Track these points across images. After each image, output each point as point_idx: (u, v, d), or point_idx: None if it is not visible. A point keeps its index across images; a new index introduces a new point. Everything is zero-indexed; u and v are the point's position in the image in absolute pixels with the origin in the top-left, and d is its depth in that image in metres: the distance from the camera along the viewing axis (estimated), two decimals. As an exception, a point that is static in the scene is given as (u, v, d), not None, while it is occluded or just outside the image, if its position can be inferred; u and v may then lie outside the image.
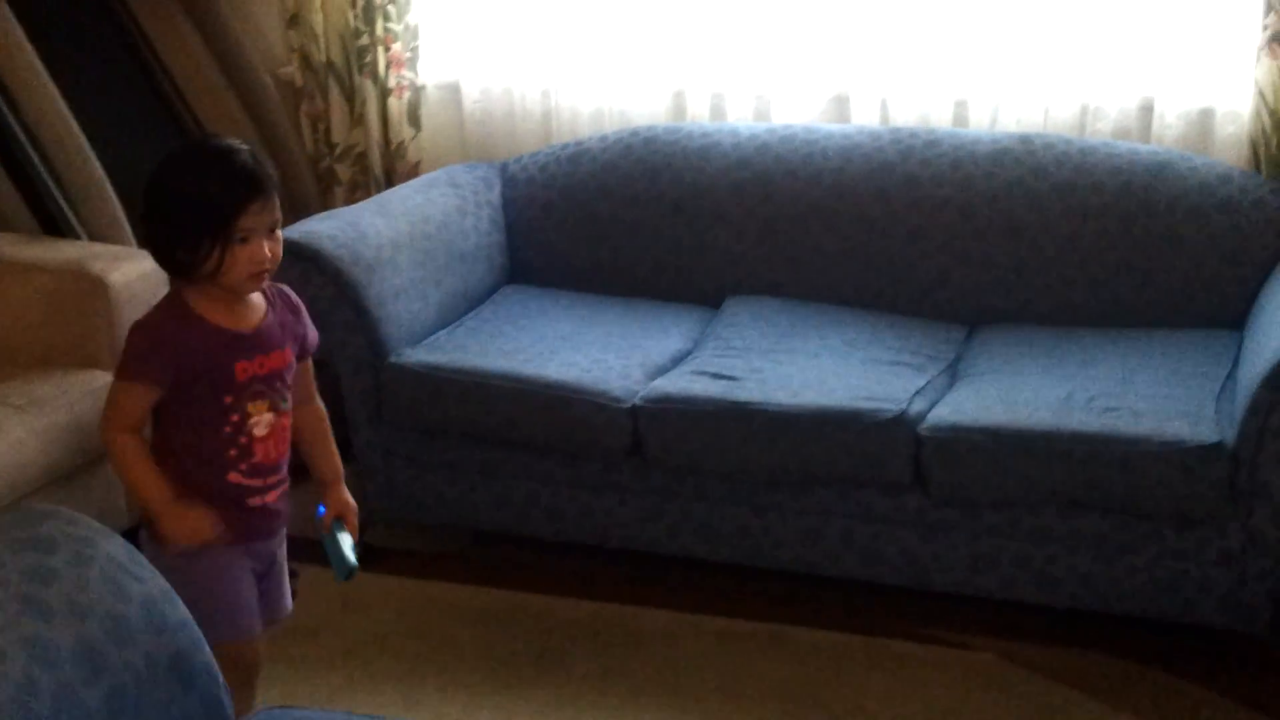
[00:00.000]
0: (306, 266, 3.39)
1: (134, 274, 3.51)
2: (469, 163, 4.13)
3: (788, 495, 3.25)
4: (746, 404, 3.20)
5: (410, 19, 4.13)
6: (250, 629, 2.59)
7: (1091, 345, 3.40)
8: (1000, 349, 3.44)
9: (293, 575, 3.52)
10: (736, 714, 3.01)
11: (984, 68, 3.81)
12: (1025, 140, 3.69)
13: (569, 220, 3.96)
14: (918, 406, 3.16)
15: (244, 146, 2.46)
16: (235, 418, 2.46)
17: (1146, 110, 3.72)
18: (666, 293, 3.85)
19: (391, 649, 3.25)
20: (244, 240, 2.38)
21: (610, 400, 3.27)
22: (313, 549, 3.70)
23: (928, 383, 3.29)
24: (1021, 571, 3.12)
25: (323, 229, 3.51)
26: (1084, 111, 3.76)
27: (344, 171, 4.26)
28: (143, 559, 1.94)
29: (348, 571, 2.63)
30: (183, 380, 2.43)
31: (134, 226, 3.76)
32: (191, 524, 2.45)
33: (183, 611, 1.93)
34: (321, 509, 2.71)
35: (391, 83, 4.16)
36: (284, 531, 2.68)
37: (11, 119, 3.72)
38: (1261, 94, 3.52)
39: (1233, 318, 3.43)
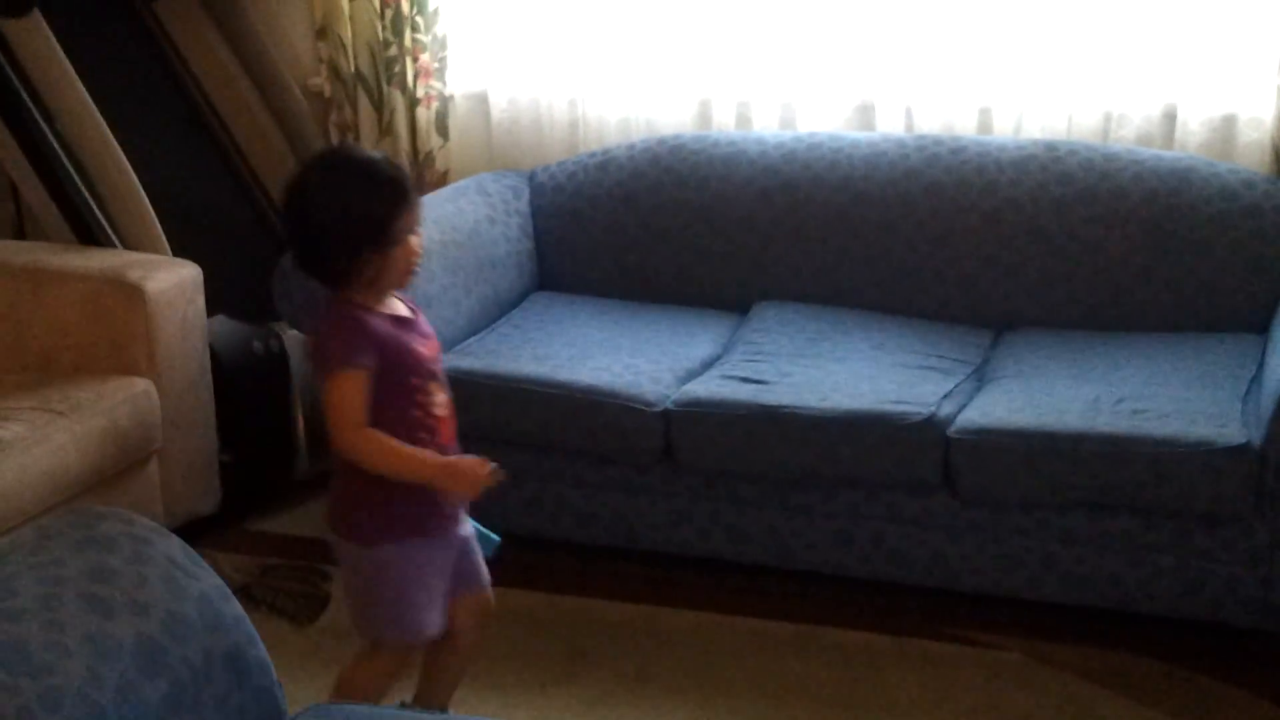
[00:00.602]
0: (341, 274, 3.43)
1: (170, 282, 3.57)
2: (497, 171, 4.17)
3: (817, 497, 3.29)
4: (777, 407, 3.24)
5: (438, 30, 4.18)
6: (431, 628, 2.64)
7: (1117, 349, 3.44)
8: (1027, 353, 3.48)
9: (325, 578, 3.60)
10: (767, 713, 3.05)
11: (1008, 75, 3.84)
12: (1050, 147, 3.73)
13: (597, 228, 4.00)
14: (946, 410, 3.20)
15: (379, 153, 2.55)
16: (421, 398, 2.54)
17: (1169, 117, 3.75)
18: (694, 299, 3.89)
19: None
20: (397, 243, 2.46)
21: (642, 404, 3.31)
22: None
23: (955, 386, 3.33)
24: (1049, 572, 3.15)
25: (356, 237, 3.55)
26: (1107, 119, 3.80)
27: (373, 181, 4.30)
28: (198, 557, 1.98)
29: (493, 546, 2.71)
30: (380, 367, 2.49)
31: (169, 235, 3.82)
32: (473, 471, 2.53)
33: (237, 608, 1.97)
34: None
35: (420, 93, 4.21)
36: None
37: (48, 131, 3.78)
38: (1284, 100, 3.56)
39: (1257, 321, 3.47)
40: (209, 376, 3.70)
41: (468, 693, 3.11)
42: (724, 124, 4.09)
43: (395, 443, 2.50)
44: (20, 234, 4.34)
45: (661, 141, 4.02)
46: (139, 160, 3.84)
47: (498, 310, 3.85)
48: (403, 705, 2.79)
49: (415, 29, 4.15)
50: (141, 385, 3.48)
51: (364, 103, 4.26)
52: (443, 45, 4.20)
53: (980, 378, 3.42)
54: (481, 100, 4.28)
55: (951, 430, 3.14)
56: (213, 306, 3.72)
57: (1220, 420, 3.04)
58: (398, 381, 2.52)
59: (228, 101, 4.32)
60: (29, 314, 3.59)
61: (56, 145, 3.79)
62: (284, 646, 3.15)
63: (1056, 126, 3.82)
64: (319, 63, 4.33)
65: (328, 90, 4.32)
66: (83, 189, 3.81)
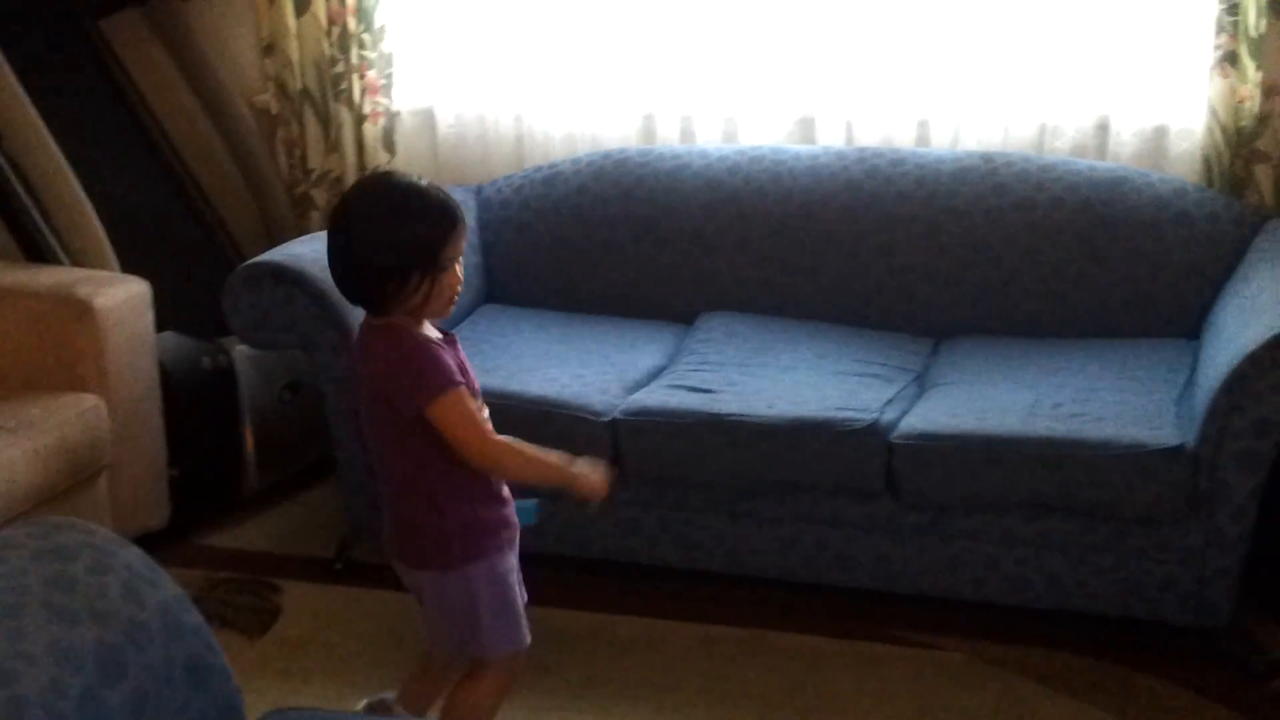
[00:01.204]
0: (291, 289, 3.47)
1: (119, 298, 3.58)
2: (445, 186, 4.20)
3: (764, 504, 3.34)
4: (724, 416, 3.29)
5: (384, 47, 4.21)
6: (528, 633, 2.69)
7: (1054, 355, 3.52)
8: (966, 360, 3.55)
9: (275, 591, 3.63)
10: (716, 717, 3.10)
11: (945, 89, 3.92)
12: (987, 159, 3.81)
13: (544, 241, 4.05)
14: (889, 416, 3.27)
15: (424, 180, 2.56)
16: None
17: (1103, 128, 3.84)
18: (641, 311, 3.94)
19: (381, 660, 3.32)
20: (445, 268, 2.47)
21: (590, 414, 3.35)
22: (296, 564, 3.80)
23: (898, 393, 3.39)
24: (991, 573, 3.22)
25: (306, 251, 3.58)
26: (1042, 130, 3.88)
27: (320, 196, 4.34)
28: (157, 566, 2.01)
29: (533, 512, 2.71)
30: None
31: (117, 251, 3.83)
32: (597, 473, 2.60)
33: (197, 617, 2.00)
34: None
35: (366, 109, 4.25)
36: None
37: (-5, 148, 3.80)
38: (1214, 111, 3.64)
39: (1189, 327, 3.55)
40: (158, 392, 3.71)
41: (421, 701, 3.15)
42: (668, 138, 4.15)
43: (526, 450, 2.55)
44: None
45: (607, 155, 4.07)
46: (87, 177, 3.85)
47: (446, 323, 3.86)
48: (371, 707, 2.81)
49: (362, 46, 4.19)
50: (91, 401, 3.49)
51: (311, 119, 4.29)
52: (389, 62, 4.23)
53: (921, 384, 3.49)
54: (428, 116, 4.32)
55: (894, 436, 3.20)
56: (161, 323, 3.73)
57: (1154, 423, 3.11)
58: None
59: (175, 118, 4.34)
60: (-23, 331, 3.60)
61: (4, 162, 3.79)
62: (236, 659, 3.15)
63: (993, 138, 3.90)
64: (266, 80, 4.36)
65: (274, 107, 4.34)
66: (30, 206, 3.81)
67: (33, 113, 3.76)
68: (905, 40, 3.91)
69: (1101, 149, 3.84)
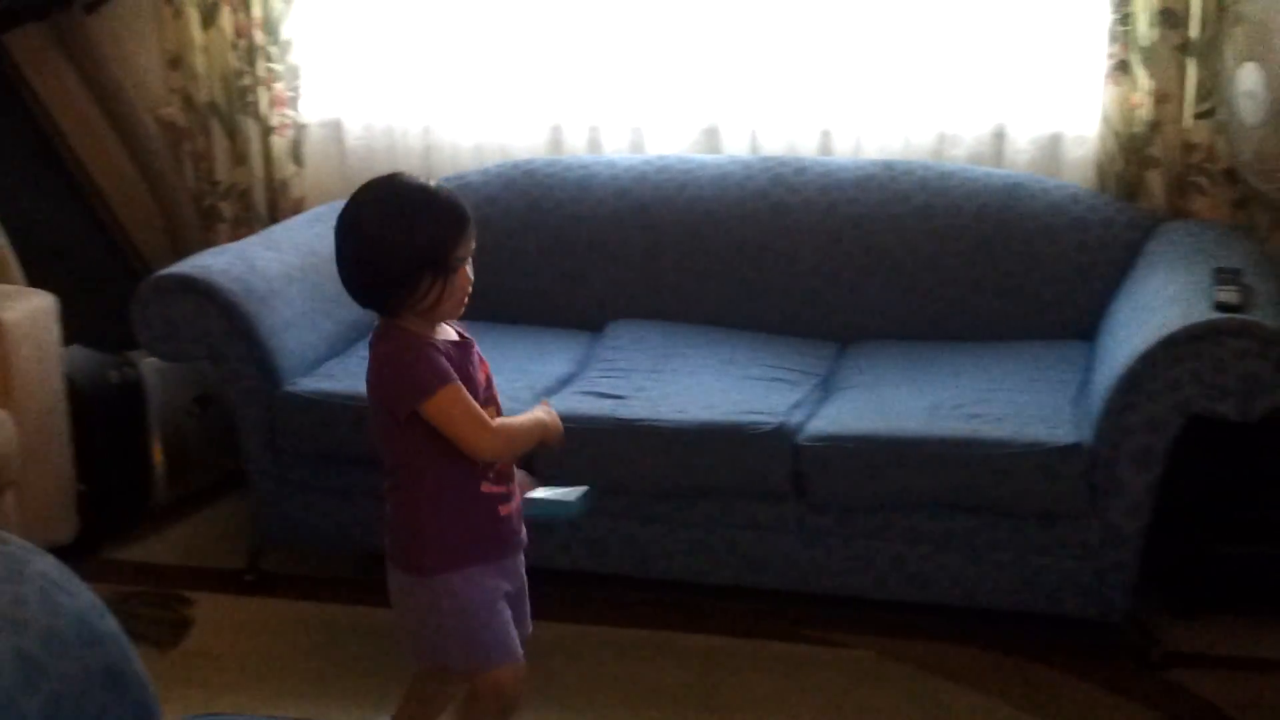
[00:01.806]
0: (200, 300, 3.47)
1: (25, 312, 3.57)
2: (352, 198, 4.21)
3: (673, 508, 3.38)
4: (633, 421, 3.33)
5: (291, 59, 4.23)
6: (519, 648, 2.63)
7: (955, 357, 3.60)
8: (870, 363, 3.62)
9: (186, 603, 3.62)
10: (629, 719, 3.13)
11: (847, 99, 3.99)
12: (888, 167, 3.88)
13: None
14: (795, 419, 3.32)
15: (433, 182, 2.53)
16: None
17: (999, 136, 3.92)
18: (550, 319, 3.98)
19: (293, 669, 3.33)
20: (455, 270, 2.45)
21: (501, 422, 3.38)
22: (207, 576, 3.79)
23: (804, 396, 3.45)
24: (896, 571, 3.29)
25: (215, 263, 3.59)
26: (941, 139, 3.96)
27: (228, 208, 4.34)
28: (73, 575, 2.01)
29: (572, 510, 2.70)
30: None
31: (23, 265, 3.81)
32: (551, 415, 2.62)
33: (113, 625, 2.00)
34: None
35: (274, 121, 4.25)
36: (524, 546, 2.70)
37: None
38: (1107, 119, 3.74)
39: (1085, 328, 3.64)
40: (65, 406, 3.69)
41: (334, 710, 3.16)
42: (575, 148, 4.19)
43: (514, 423, 2.55)
44: None
45: (515, 166, 4.10)
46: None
47: (357, 334, 3.88)
48: None
49: (269, 58, 4.20)
50: (-1, 415, 3.47)
51: (218, 132, 4.29)
52: (296, 74, 4.25)
53: (826, 388, 3.55)
54: (336, 128, 4.33)
55: (801, 438, 3.26)
56: (68, 336, 3.71)
57: (1052, 422, 3.20)
58: None
59: (79, 132, 4.32)
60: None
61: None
62: (148, 671, 3.14)
63: (893, 146, 3.98)
64: (171, 92, 4.35)
65: (181, 120, 4.34)
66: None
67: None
68: (808, 51, 3.98)
69: (998, 156, 3.92)
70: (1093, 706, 3.10)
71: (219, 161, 4.31)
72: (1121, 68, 3.70)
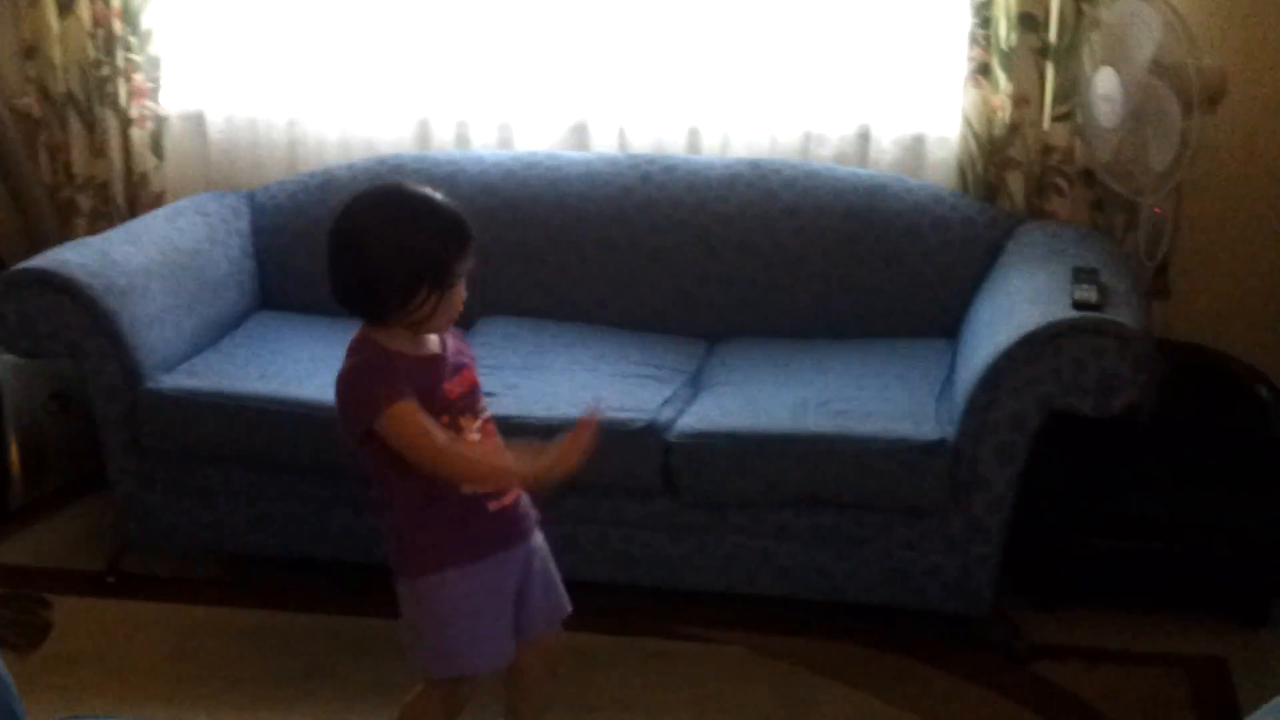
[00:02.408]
0: (59, 296, 3.40)
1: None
2: (216, 192, 4.15)
3: (543, 504, 3.37)
4: (504, 419, 3.29)
5: (152, 50, 4.14)
6: (494, 659, 2.59)
7: (822, 355, 3.64)
8: (738, 361, 3.65)
9: (46, 605, 3.54)
10: (499, 715, 3.12)
11: (714, 97, 4.01)
12: (755, 165, 3.91)
13: (319, 247, 3.86)
14: (665, 415, 3.34)
15: (438, 193, 2.48)
16: (452, 434, 2.46)
17: (864, 137, 3.97)
18: (418, 315, 3.95)
19: (158, 673, 3.27)
20: (453, 284, 2.42)
21: (370, 419, 3.35)
22: (68, 578, 3.72)
23: (673, 393, 3.47)
24: (765, 567, 3.32)
25: (74, 258, 3.52)
26: (807, 138, 3.99)
27: (85, 201, 4.25)
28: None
29: None
30: None
31: None
32: (553, 459, 2.47)
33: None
34: None
35: (134, 113, 4.17)
36: (538, 534, 2.67)
37: None
38: (968, 121, 3.81)
39: (948, 326, 3.70)
40: (-83, 405, 3.60)
41: (201, 713, 3.12)
42: (443, 143, 4.16)
43: (469, 453, 2.46)
44: None
45: (382, 161, 4.07)
46: None
47: (219, 330, 3.84)
48: None
49: (128, 49, 4.11)
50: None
51: (75, 123, 4.19)
52: (156, 65, 4.17)
53: (696, 385, 3.58)
54: (198, 120, 4.26)
55: (671, 435, 3.28)
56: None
57: (917, 419, 3.25)
58: None
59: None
60: None
61: None
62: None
63: (760, 145, 4.01)
64: (26, 82, 4.24)
65: (37, 110, 4.23)
66: None
67: None
68: (676, 49, 4.00)
69: (863, 156, 3.97)
70: (960, 699, 3.16)
71: (76, 154, 4.22)
72: (982, 71, 3.77)
